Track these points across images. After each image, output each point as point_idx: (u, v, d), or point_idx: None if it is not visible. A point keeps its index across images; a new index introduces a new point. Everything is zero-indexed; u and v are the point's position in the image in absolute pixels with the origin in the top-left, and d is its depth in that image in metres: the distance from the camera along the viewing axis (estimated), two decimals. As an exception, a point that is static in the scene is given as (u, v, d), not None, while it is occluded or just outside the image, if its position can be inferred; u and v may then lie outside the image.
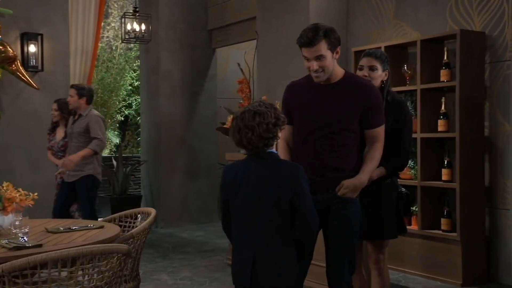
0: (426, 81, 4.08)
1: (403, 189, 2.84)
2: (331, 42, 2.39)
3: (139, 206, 6.42)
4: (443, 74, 3.99)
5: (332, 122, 2.44)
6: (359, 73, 2.79)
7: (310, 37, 2.37)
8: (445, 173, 3.95)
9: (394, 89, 4.22)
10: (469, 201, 3.88)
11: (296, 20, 4.98)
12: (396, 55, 4.28)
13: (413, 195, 3.96)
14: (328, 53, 2.39)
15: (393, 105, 2.77)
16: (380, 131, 2.51)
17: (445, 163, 3.96)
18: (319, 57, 2.38)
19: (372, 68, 2.76)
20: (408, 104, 2.94)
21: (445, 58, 3.98)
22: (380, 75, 2.77)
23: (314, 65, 2.40)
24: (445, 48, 4.01)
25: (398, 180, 2.85)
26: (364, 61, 2.80)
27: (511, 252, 3.80)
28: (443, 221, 3.96)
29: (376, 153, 2.51)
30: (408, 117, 2.79)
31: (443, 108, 3.99)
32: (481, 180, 3.97)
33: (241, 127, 2.11)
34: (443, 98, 4.01)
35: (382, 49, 4.32)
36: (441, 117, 4.00)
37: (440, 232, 3.98)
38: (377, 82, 2.76)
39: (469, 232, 3.87)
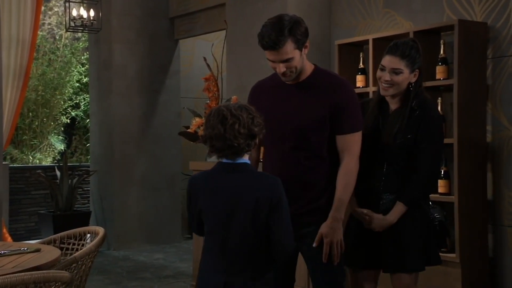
0: (421, 78, 4.12)
1: (437, 215, 2.73)
2: (298, 40, 2.41)
3: (87, 225, 6.33)
4: (439, 71, 4.04)
5: (298, 125, 2.46)
6: (379, 74, 2.67)
7: (274, 38, 2.37)
8: (441, 185, 3.99)
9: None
10: (470, 217, 3.92)
11: (271, 8, 4.99)
12: (385, 49, 4.31)
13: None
14: (295, 53, 2.41)
15: (418, 112, 2.62)
16: (352, 139, 2.47)
17: (442, 173, 4.00)
18: (287, 60, 2.41)
19: (395, 72, 2.60)
20: (438, 113, 2.79)
21: (442, 52, 4.03)
22: (406, 78, 2.62)
23: (281, 67, 2.43)
24: (442, 41, 4.06)
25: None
26: (386, 61, 2.63)
27: (517, 275, 3.85)
28: (440, 240, 4.00)
29: (348, 177, 2.46)
30: (435, 129, 2.63)
31: (439, 110, 4.03)
32: (483, 193, 4.02)
33: (226, 116, 2.09)
34: (439, 98, 4.05)
35: (370, 42, 4.36)
36: (438, 120, 4.04)
37: (437, 252, 4.01)
38: (403, 86, 2.64)
39: (470, 252, 3.91)
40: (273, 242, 2.14)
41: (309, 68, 2.53)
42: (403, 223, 2.63)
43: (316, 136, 2.46)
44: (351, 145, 2.47)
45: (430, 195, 2.88)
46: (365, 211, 2.64)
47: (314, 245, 2.43)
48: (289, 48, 2.38)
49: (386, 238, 2.65)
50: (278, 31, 2.36)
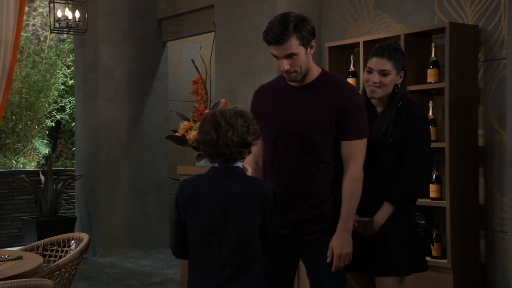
0: (411, 82, 4.14)
1: (422, 221, 2.72)
2: (303, 37, 2.40)
3: (72, 231, 6.30)
4: (431, 74, 4.07)
5: (304, 129, 2.45)
6: (367, 77, 2.69)
7: (278, 33, 2.37)
8: (433, 190, 4.02)
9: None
10: (462, 222, 3.95)
11: (261, 10, 5.01)
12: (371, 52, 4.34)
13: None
14: (300, 50, 2.40)
15: (404, 113, 2.66)
16: (358, 145, 2.47)
17: (433, 177, 4.02)
18: (290, 56, 2.40)
19: (383, 73, 2.65)
20: (424, 113, 2.79)
21: (433, 55, 4.07)
22: (393, 79, 2.66)
23: (285, 64, 2.41)
24: (433, 44, 4.10)
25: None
26: (373, 63, 2.67)
27: (510, 281, 3.88)
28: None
29: (354, 186, 2.47)
30: (421, 127, 2.67)
31: (430, 113, 4.06)
32: (475, 198, 4.05)
33: (221, 123, 2.10)
34: (431, 102, 4.09)
35: (361, 44, 4.39)
36: (429, 124, 4.08)
37: (429, 258, 4.02)
38: (390, 88, 2.68)
39: (461, 258, 3.94)
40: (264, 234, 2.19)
41: (316, 70, 2.52)
42: (387, 226, 2.65)
43: (321, 140, 2.45)
44: (356, 152, 2.47)
45: (418, 200, 2.87)
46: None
47: (327, 260, 2.44)
48: (294, 44, 2.38)
49: (370, 240, 2.66)
50: (283, 26, 2.37)
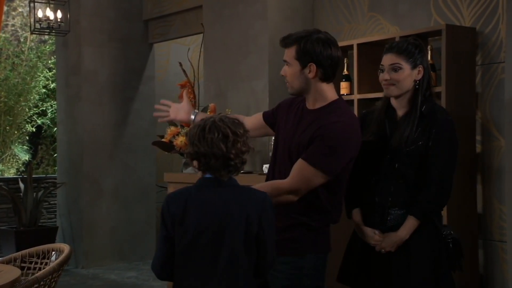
0: (407, 86, 4.18)
1: (451, 232, 2.62)
2: (302, 52, 2.42)
3: (54, 241, 6.27)
4: (427, 78, 4.10)
5: (289, 151, 2.49)
6: (380, 77, 2.65)
7: (285, 36, 2.51)
8: (430, 198, 4.03)
9: (368, 96, 4.33)
10: (459, 231, 3.93)
11: (251, 11, 5.03)
12: (370, 54, 4.37)
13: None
14: (294, 63, 2.45)
15: (427, 119, 2.58)
16: (307, 170, 2.34)
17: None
18: (285, 62, 2.52)
19: (394, 68, 2.59)
20: (451, 118, 2.67)
21: (429, 58, 4.09)
22: (408, 75, 2.58)
23: (282, 69, 2.54)
24: (429, 47, 4.13)
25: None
26: (384, 60, 2.63)
27: (508, 292, 3.91)
28: (429, 256, 4.03)
29: (279, 184, 2.39)
30: (446, 134, 2.57)
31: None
32: (472, 206, 4.08)
33: (228, 134, 2.09)
34: (427, 107, 4.11)
35: (355, 47, 4.42)
36: (425, 129, 4.09)
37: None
38: (406, 85, 2.59)
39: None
40: (258, 257, 2.16)
41: (329, 98, 2.48)
42: (409, 240, 2.56)
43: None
44: (297, 171, 2.37)
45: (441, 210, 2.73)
46: (376, 231, 2.60)
47: None
48: (290, 53, 2.46)
49: (390, 256, 2.59)
50: (292, 34, 2.49)
